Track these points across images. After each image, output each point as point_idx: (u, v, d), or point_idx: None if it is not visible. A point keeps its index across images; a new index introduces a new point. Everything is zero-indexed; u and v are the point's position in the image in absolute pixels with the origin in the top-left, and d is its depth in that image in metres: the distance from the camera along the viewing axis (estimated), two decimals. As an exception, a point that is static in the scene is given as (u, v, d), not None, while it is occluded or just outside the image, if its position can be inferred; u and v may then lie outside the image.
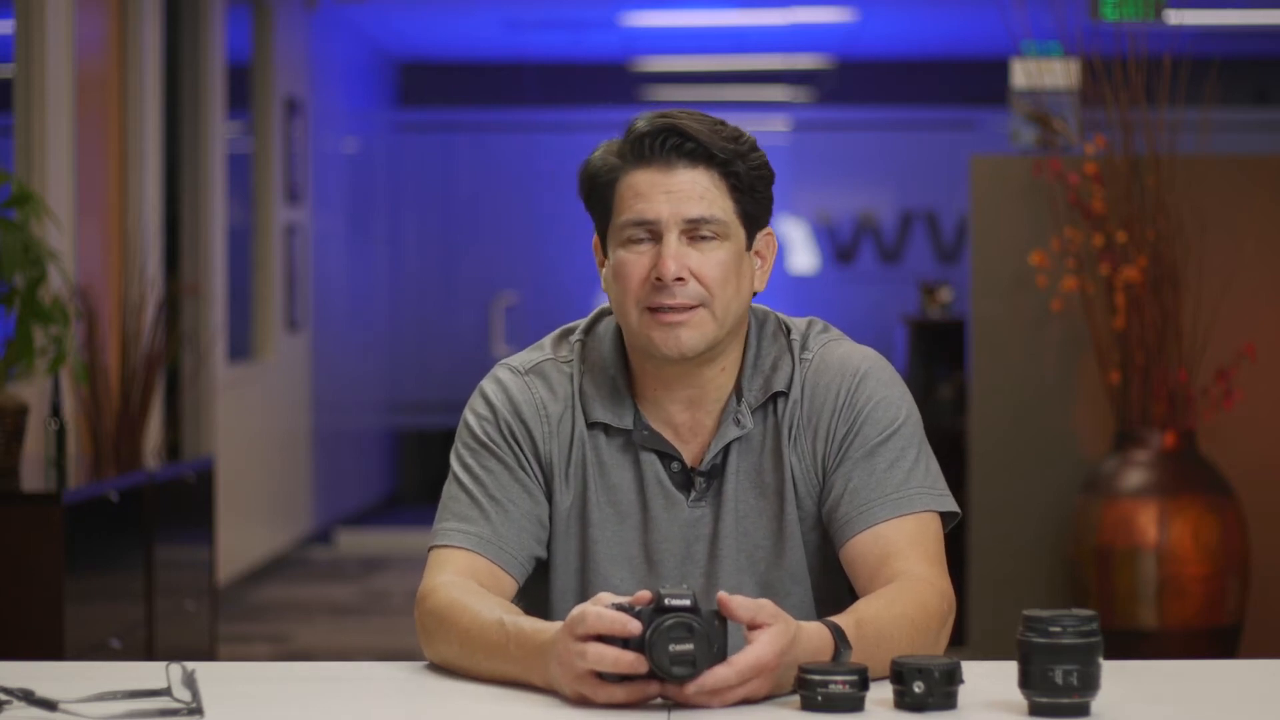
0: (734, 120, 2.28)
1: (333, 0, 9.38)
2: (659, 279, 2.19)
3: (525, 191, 11.21)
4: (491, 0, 9.87)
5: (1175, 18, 5.85)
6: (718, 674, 1.89)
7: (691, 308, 2.20)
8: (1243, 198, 5.67)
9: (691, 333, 2.21)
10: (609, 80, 11.40)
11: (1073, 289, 5.51)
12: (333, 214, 10.14)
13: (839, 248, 11.38)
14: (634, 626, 1.89)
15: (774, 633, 1.91)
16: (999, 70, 6.83)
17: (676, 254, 2.19)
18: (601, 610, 1.91)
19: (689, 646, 1.88)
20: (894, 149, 11.28)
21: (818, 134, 11.31)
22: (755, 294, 2.29)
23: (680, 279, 2.19)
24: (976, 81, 10.61)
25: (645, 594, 1.92)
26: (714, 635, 1.90)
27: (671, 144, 2.21)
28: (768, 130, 11.11)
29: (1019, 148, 5.90)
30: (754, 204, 2.25)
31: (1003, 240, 5.71)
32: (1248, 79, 10.72)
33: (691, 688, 1.89)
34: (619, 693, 1.92)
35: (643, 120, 2.24)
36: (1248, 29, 9.87)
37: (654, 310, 2.21)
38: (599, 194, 2.26)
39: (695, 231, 2.21)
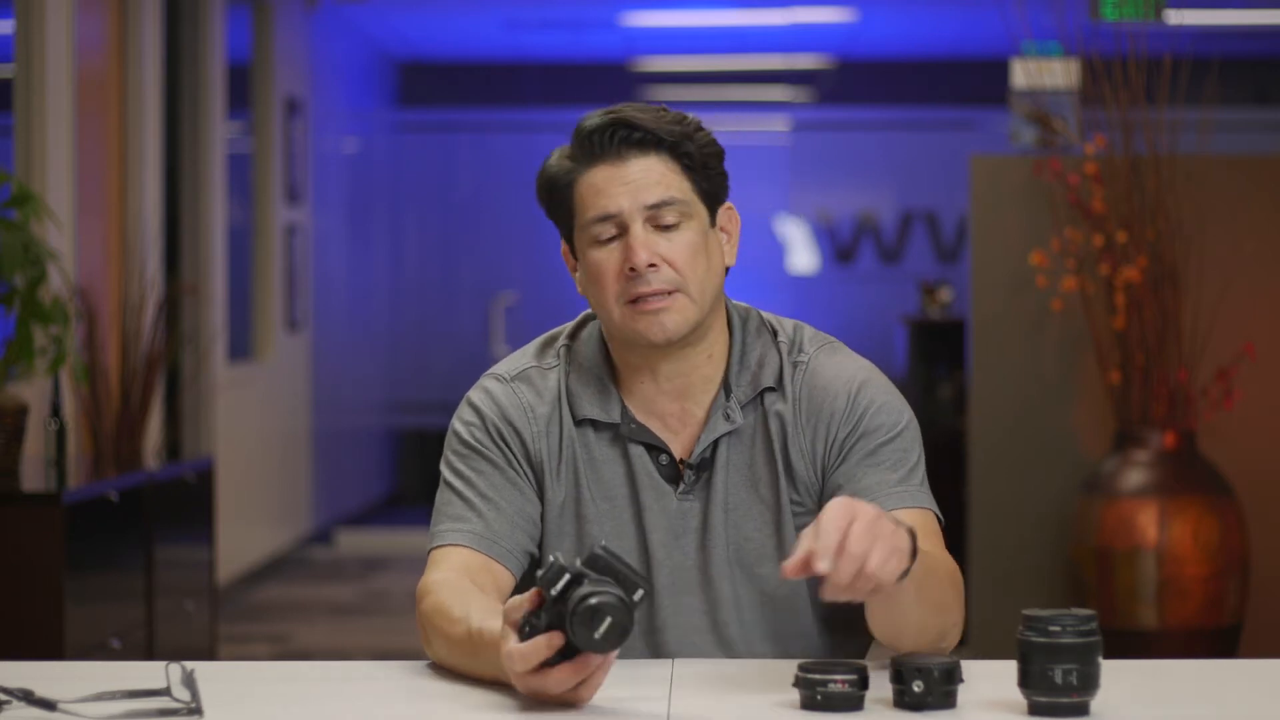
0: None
1: (333, 0, 9.38)
2: (632, 269, 2.22)
3: (525, 191, 11.10)
4: (491, 0, 9.87)
5: (1175, 18, 5.85)
6: (805, 547, 1.87)
7: (669, 293, 2.23)
8: (1243, 198, 5.67)
9: (674, 316, 2.23)
10: (609, 80, 11.39)
11: (1073, 289, 5.51)
12: (333, 214, 10.14)
13: (839, 248, 11.38)
14: (557, 641, 1.89)
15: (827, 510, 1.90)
16: (999, 70, 6.83)
17: (645, 242, 2.23)
18: (523, 649, 1.89)
19: (607, 622, 1.86)
20: (894, 149, 11.28)
21: (818, 134, 11.30)
22: (727, 269, 2.31)
23: (653, 265, 2.22)
24: (976, 81, 10.61)
25: (534, 594, 1.91)
26: (611, 581, 1.87)
27: (620, 136, 2.24)
28: (768, 130, 11.12)
29: (1019, 148, 5.90)
30: (709, 181, 2.28)
31: (1003, 240, 5.71)
32: (1248, 79, 10.71)
33: (791, 567, 1.86)
34: (595, 681, 1.91)
35: (588, 119, 2.26)
36: (1248, 29, 9.86)
37: (633, 302, 2.23)
38: (559, 199, 2.29)
39: (659, 219, 2.24)
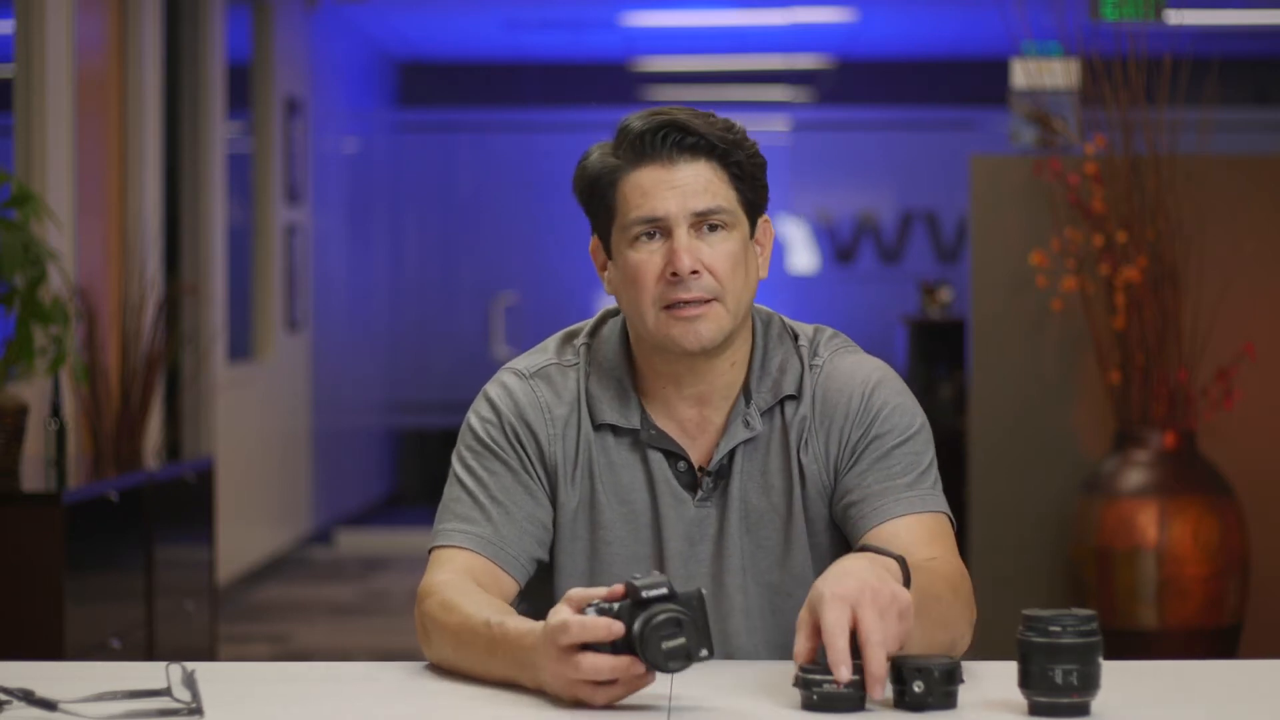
0: (734, 120, 2.29)
1: (333, 0, 9.37)
2: (674, 274, 2.20)
3: (525, 191, 11.21)
4: (491, 0, 9.87)
5: (1175, 18, 5.85)
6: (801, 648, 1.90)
7: (707, 301, 2.21)
8: (1243, 198, 5.67)
9: (709, 325, 2.22)
10: (609, 80, 11.39)
11: (1073, 289, 5.51)
12: (333, 214, 10.14)
13: (839, 248, 11.38)
14: (618, 629, 1.89)
15: (809, 597, 1.91)
16: (999, 70, 6.83)
17: (689, 247, 2.21)
18: (583, 620, 1.90)
19: (680, 641, 1.88)
20: (894, 149, 11.28)
21: (818, 134, 11.30)
22: (760, 280, 2.30)
23: (695, 272, 2.20)
24: (976, 81, 10.61)
25: (618, 588, 1.92)
26: (699, 619, 1.90)
27: (673, 140, 2.22)
28: (768, 130, 11.11)
29: (1019, 148, 5.90)
30: (754, 192, 2.26)
31: (1003, 240, 5.71)
32: (1248, 79, 10.71)
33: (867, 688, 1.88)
34: (618, 691, 1.92)
35: (637, 119, 2.24)
36: (1248, 29, 9.86)
37: (670, 307, 2.21)
38: (600, 196, 2.26)
39: (703, 224, 2.22)
